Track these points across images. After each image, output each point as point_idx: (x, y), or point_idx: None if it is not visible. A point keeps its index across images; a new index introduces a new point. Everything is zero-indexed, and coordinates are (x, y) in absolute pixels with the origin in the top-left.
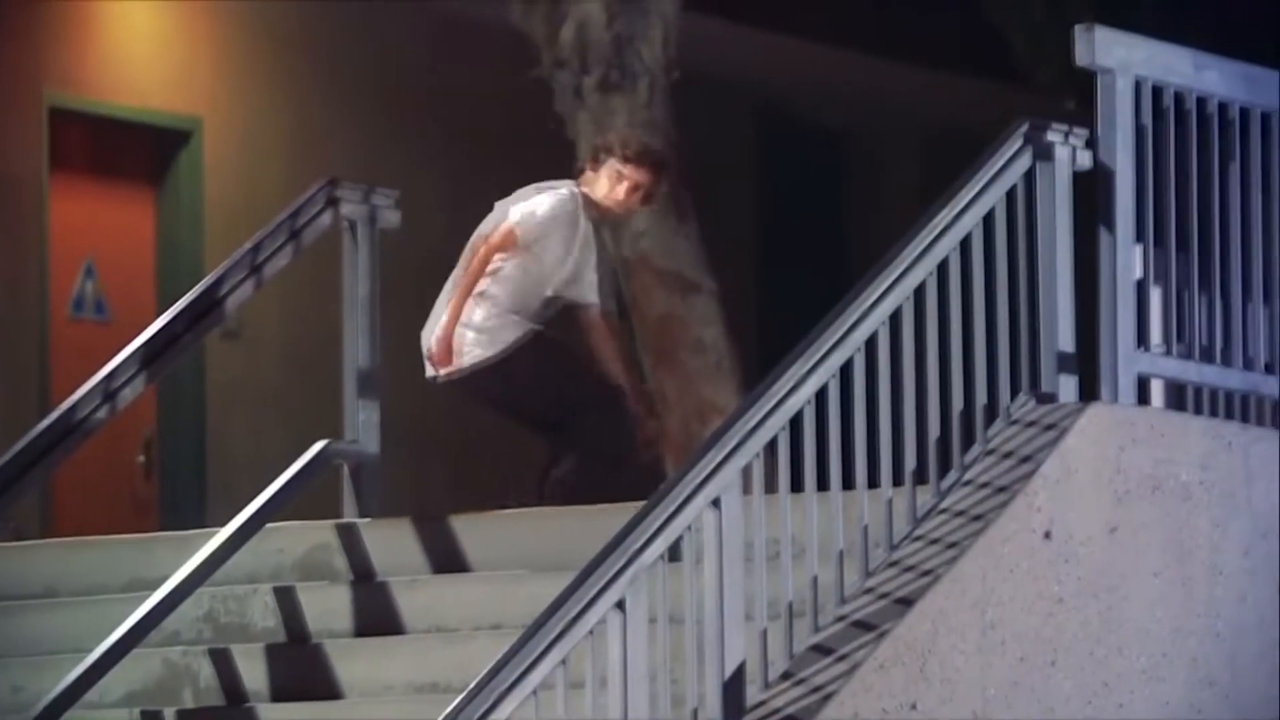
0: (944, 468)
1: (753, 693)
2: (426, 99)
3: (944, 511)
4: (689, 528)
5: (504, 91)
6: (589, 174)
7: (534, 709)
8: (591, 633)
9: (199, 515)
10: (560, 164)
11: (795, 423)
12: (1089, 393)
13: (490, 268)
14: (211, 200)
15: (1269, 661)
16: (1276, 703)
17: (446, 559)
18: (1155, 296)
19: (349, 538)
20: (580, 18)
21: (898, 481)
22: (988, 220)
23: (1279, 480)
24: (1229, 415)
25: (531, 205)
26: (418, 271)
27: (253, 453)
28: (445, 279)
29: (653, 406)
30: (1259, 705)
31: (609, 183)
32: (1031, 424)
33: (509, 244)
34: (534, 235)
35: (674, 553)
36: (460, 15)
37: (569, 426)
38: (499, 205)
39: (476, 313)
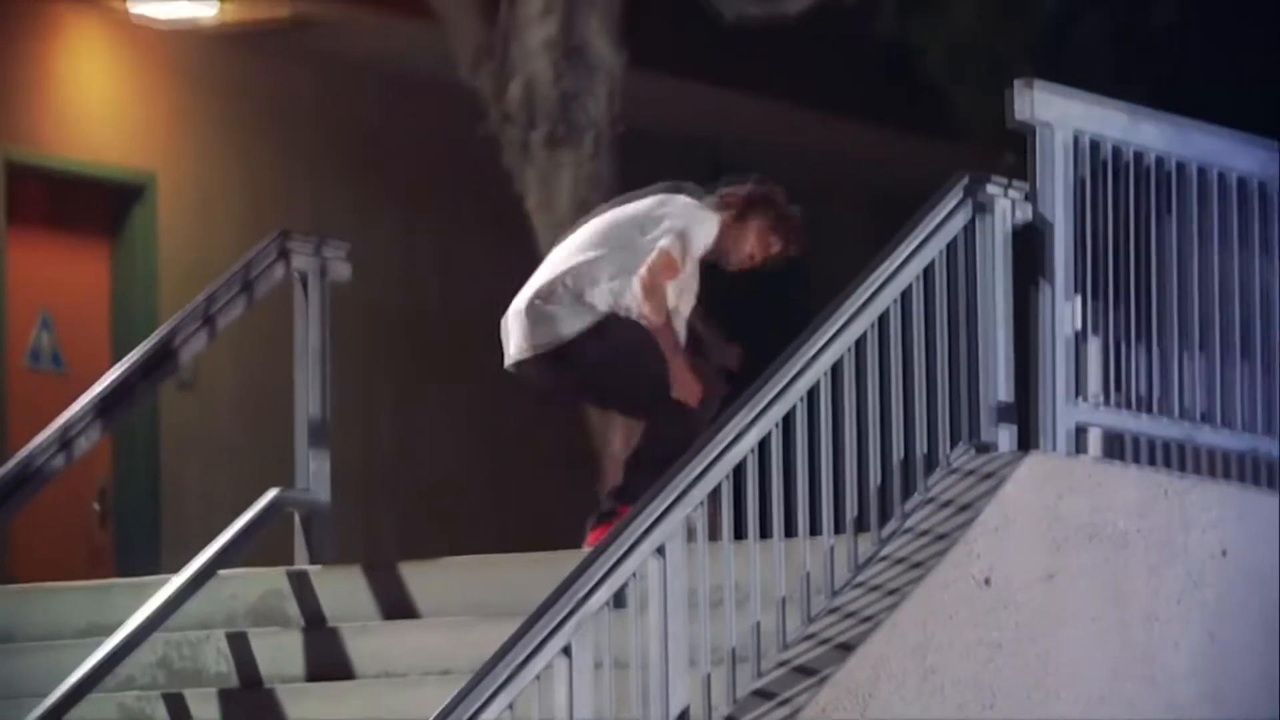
0: (884, 516)
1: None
2: (377, 154)
3: (884, 559)
4: (634, 574)
5: (453, 146)
6: (728, 218)
7: None
8: (538, 678)
9: (153, 562)
10: (506, 217)
11: (738, 471)
12: (1027, 442)
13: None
14: (165, 253)
15: (1202, 707)
16: None
17: (396, 606)
18: (1093, 347)
19: (300, 584)
20: (528, 74)
21: (839, 529)
22: (928, 272)
23: (1215, 528)
24: (1166, 464)
25: (702, 235)
26: (367, 323)
27: (206, 500)
28: (394, 331)
29: None
30: None
31: (755, 239)
32: (970, 473)
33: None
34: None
35: (619, 599)
36: (409, 71)
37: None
38: (683, 212)
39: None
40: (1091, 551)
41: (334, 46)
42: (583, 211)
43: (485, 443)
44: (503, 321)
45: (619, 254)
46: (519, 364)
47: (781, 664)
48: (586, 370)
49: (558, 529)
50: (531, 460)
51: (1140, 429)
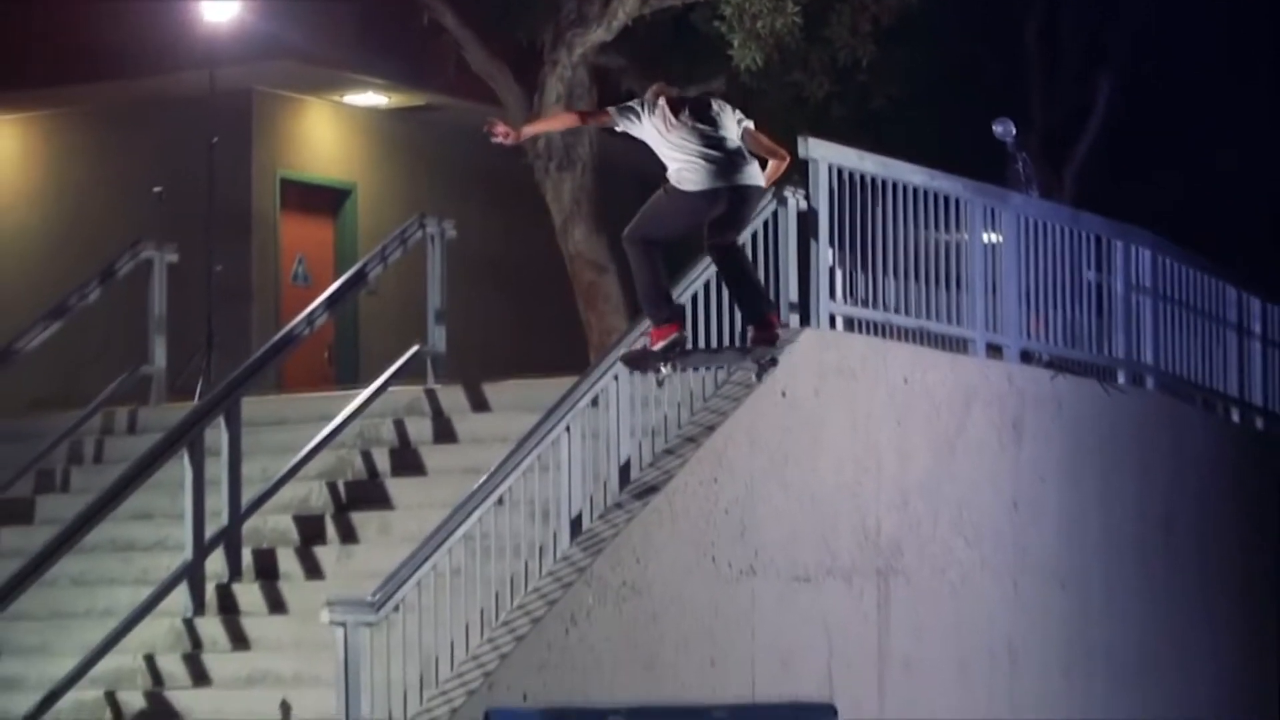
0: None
1: (635, 473)
2: (467, 177)
3: (731, 382)
4: (603, 390)
5: (507, 173)
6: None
7: (523, 481)
8: (554, 442)
9: (355, 383)
10: (534, 209)
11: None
12: (806, 322)
13: None
14: (362, 225)
15: (894, 455)
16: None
17: (478, 404)
18: (838, 273)
19: (430, 395)
20: (547, 133)
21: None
22: (757, 233)
23: (901, 368)
24: (879, 334)
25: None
26: (464, 262)
27: (381, 352)
28: (477, 266)
29: None
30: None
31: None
32: None
33: None
34: None
35: (595, 401)
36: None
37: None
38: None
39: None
40: (838, 380)
41: (447, 118)
42: (578, 208)
43: (523, 322)
44: (679, 173)
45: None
46: (706, 192)
47: (678, 437)
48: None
49: (562, 366)
50: (549, 330)
51: (864, 316)
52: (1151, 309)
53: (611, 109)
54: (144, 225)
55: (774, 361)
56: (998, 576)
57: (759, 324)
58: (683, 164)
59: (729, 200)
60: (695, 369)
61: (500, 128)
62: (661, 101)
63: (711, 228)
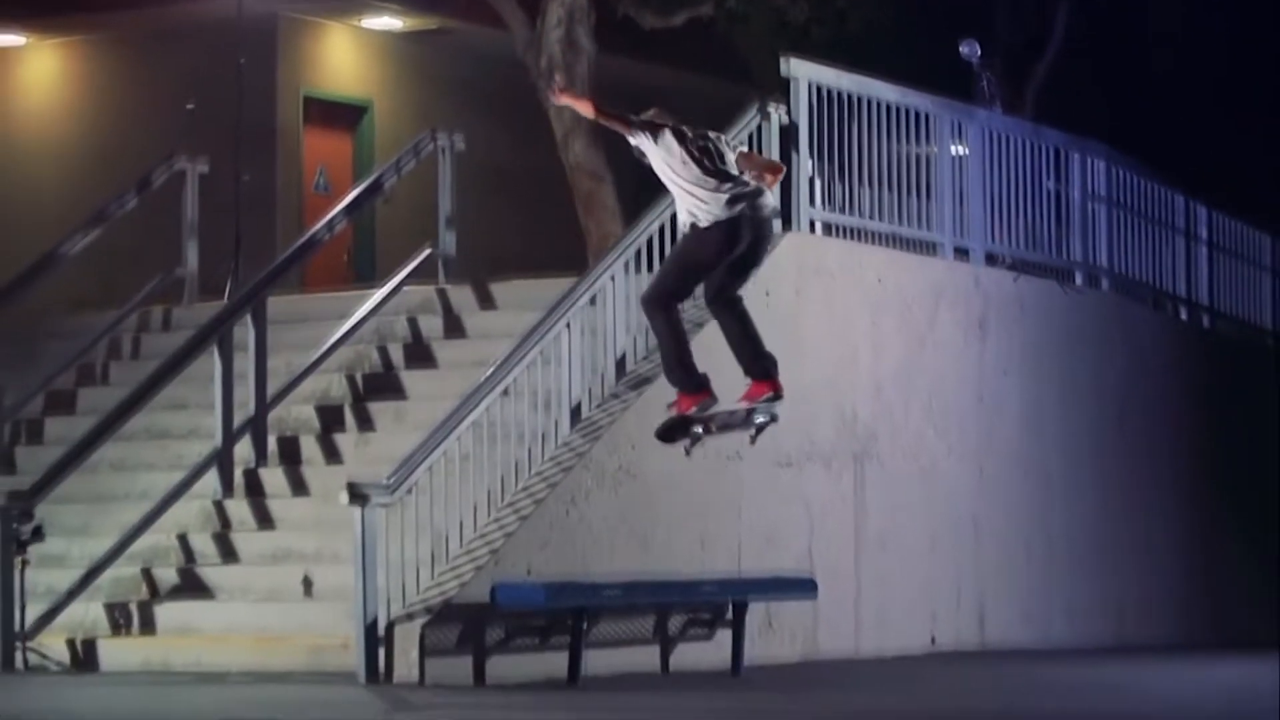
0: None
1: (630, 366)
2: (475, 95)
3: None
4: (600, 289)
5: (507, 87)
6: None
7: (527, 373)
8: (555, 337)
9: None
10: (533, 120)
11: (649, 242)
12: (787, 226)
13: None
14: (378, 138)
15: (868, 344)
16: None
17: (486, 302)
18: (817, 182)
19: (441, 293)
20: (549, 53)
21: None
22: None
23: (877, 268)
24: (855, 238)
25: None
26: (471, 172)
27: (393, 253)
28: (482, 175)
29: None
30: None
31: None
32: None
33: None
34: None
35: (593, 300)
36: (495, 54)
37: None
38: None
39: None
40: (817, 280)
41: (457, 40)
42: (577, 123)
43: (527, 221)
44: (705, 205)
45: None
46: (728, 222)
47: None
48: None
49: (563, 268)
50: (551, 235)
51: (840, 222)
52: (1106, 215)
53: (632, 118)
54: (177, 140)
55: (775, 418)
56: (964, 461)
57: (768, 377)
58: (699, 198)
59: (753, 232)
60: (727, 429)
61: (559, 89)
62: (668, 134)
63: (730, 270)
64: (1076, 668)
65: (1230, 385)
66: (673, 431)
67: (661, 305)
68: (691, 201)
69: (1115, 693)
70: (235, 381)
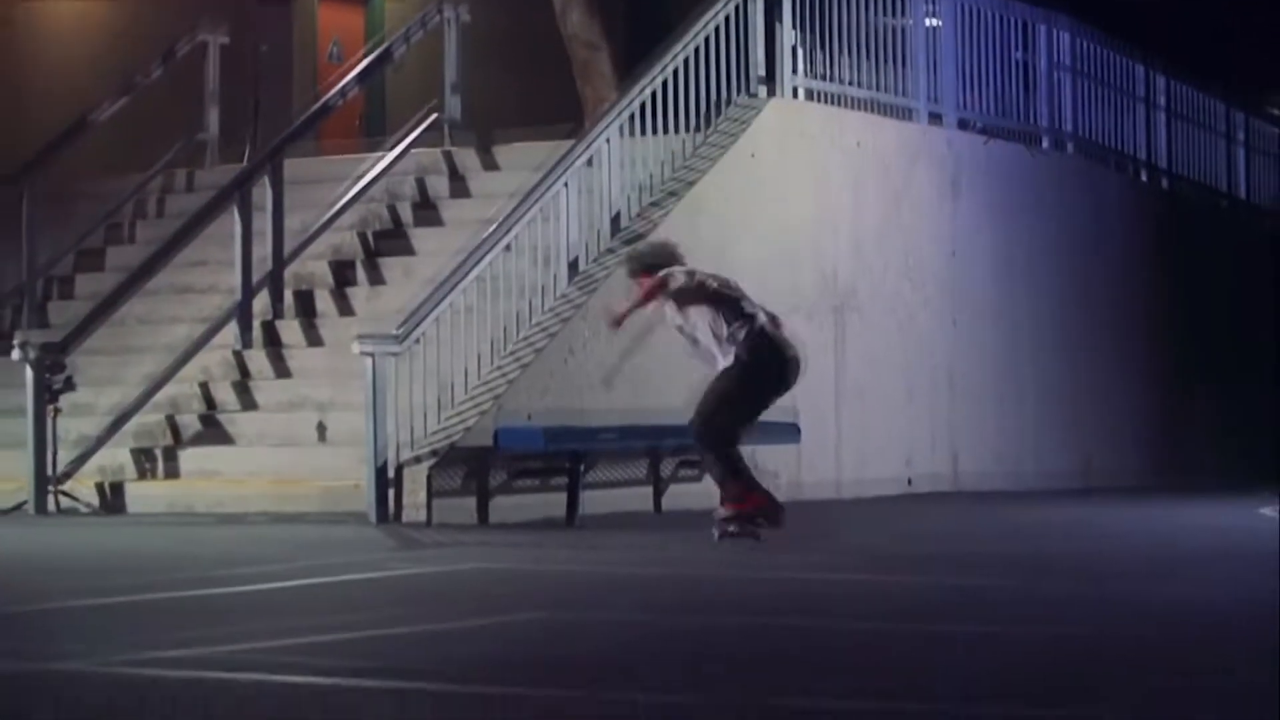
0: (708, 122)
1: (624, 223)
2: None
3: (710, 144)
4: (596, 151)
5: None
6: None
7: (528, 230)
8: (554, 196)
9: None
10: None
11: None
12: (771, 93)
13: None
14: (389, 10)
15: (845, 202)
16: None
17: (489, 165)
18: (800, 51)
19: (447, 156)
20: (567, 9)
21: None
22: (726, 20)
23: (855, 132)
24: (835, 104)
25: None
26: (475, 41)
27: (403, 119)
28: (487, 46)
29: None
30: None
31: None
32: (746, 106)
33: None
34: None
35: (590, 162)
36: None
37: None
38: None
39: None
40: (800, 143)
41: None
42: (589, 49)
43: (528, 95)
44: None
45: None
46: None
47: (661, 191)
48: None
49: (561, 132)
50: (550, 101)
51: (823, 90)
52: (1071, 84)
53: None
54: (199, 12)
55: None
56: (939, 314)
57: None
58: (721, 331)
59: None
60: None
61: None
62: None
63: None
64: (1048, 508)
65: (1187, 242)
66: (746, 528)
67: (727, 438)
68: (710, 335)
69: (1088, 529)
70: (254, 239)
